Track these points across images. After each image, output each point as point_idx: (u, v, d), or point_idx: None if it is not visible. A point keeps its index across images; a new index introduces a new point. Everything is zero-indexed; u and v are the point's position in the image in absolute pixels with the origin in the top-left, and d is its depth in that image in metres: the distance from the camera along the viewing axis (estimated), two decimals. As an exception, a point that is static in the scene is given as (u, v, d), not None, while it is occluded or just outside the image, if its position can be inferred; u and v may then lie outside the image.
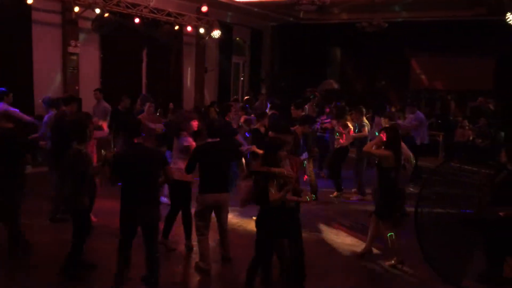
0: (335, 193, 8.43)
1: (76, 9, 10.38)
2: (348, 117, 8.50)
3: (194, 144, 5.58)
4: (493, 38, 14.56)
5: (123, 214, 4.47)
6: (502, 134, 10.95)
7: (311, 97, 12.32)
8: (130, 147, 4.61)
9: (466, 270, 4.73)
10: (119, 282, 4.52)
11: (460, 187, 4.85)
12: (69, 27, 10.62)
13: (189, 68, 14.30)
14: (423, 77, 18.61)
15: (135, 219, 4.47)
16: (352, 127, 8.31)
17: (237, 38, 16.49)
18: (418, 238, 4.94)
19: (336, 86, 18.43)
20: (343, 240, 6.38)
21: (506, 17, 11.97)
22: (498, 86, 16.06)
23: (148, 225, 4.50)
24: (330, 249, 6.09)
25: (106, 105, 9.63)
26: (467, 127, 11.12)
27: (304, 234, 4.92)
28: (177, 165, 5.53)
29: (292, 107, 8.63)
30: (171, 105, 11.32)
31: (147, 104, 8.43)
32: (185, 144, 5.59)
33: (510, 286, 4.75)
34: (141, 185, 4.40)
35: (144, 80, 13.02)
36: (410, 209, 6.68)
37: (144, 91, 12.69)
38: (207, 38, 13.53)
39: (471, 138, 10.94)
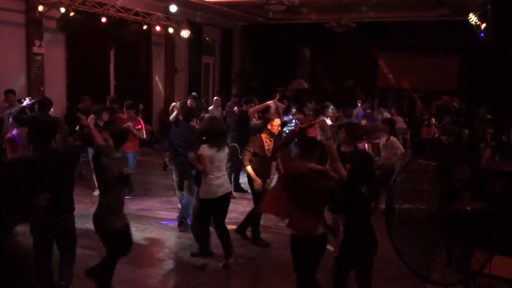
0: None
1: (41, 8, 10.07)
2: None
3: None
4: (457, 38, 14.99)
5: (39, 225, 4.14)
6: (466, 131, 11.31)
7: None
8: (41, 151, 4.25)
9: (435, 265, 4.84)
10: None
11: (428, 183, 4.95)
12: (33, 26, 10.30)
13: (158, 69, 14.14)
14: (390, 76, 18.99)
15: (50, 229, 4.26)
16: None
17: (207, 38, 16.41)
18: (389, 234, 5.03)
19: (306, 85, 18.56)
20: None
21: (469, 18, 12.34)
22: (461, 85, 16.53)
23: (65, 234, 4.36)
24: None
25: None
26: (433, 125, 11.44)
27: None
28: None
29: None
30: (141, 106, 11.10)
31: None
32: None
33: (477, 279, 4.89)
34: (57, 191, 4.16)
35: (112, 81, 12.78)
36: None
37: (112, 92, 12.45)
38: (176, 38, 13.39)
39: (436, 135, 11.27)
